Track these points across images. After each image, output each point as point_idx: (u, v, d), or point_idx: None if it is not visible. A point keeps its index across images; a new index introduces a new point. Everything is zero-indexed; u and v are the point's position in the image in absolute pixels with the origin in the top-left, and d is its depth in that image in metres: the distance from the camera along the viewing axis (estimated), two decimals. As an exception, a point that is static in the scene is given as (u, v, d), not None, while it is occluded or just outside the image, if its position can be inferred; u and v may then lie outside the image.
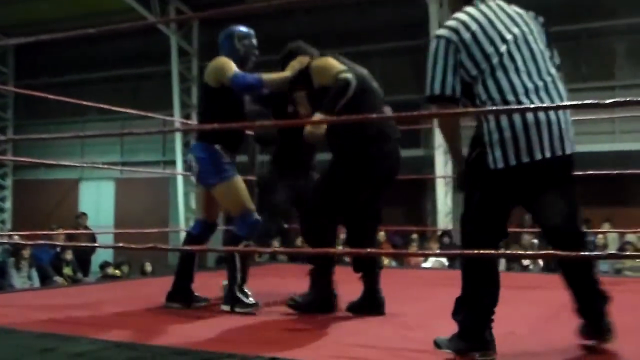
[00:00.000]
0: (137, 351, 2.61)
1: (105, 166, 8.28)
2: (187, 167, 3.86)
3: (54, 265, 9.77)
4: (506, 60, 2.51)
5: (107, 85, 15.64)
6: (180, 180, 14.46)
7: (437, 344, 2.65)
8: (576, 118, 8.40)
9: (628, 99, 2.19)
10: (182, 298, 3.80)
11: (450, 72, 2.52)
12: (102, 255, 12.20)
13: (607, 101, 2.22)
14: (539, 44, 2.62)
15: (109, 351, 2.63)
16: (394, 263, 9.28)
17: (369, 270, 3.57)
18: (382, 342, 2.84)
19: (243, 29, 3.87)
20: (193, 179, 3.95)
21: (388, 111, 3.58)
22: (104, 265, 10.91)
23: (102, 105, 6.44)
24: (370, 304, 3.54)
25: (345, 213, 3.54)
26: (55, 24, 13.82)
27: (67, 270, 9.90)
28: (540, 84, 2.50)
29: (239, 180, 3.71)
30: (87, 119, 15.79)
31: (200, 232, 3.93)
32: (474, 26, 2.55)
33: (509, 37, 2.55)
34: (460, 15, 2.60)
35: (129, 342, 2.77)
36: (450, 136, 2.64)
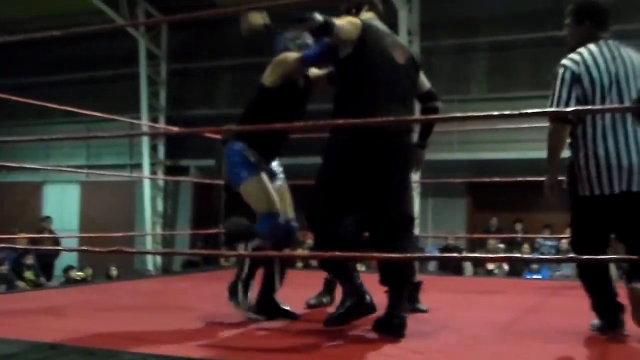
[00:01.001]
0: (95, 356, 2.57)
1: (71, 169, 8.15)
2: None
3: (15, 270, 9.62)
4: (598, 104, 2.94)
5: (74, 87, 15.44)
6: (147, 183, 14.33)
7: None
8: (541, 125, 8.43)
9: (589, 107, 2.23)
10: (267, 310, 3.57)
11: (573, 99, 2.93)
12: (66, 260, 12.02)
13: (569, 109, 2.25)
14: (631, 92, 2.98)
15: (68, 357, 2.59)
16: (363, 267, 9.31)
17: (394, 282, 3.16)
18: (353, 349, 2.84)
19: (292, 31, 3.71)
20: None
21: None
22: (67, 269, 10.77)
23: (68, 108, 6.35)
24: (389, 323, 3.09)
25: (351, 207, 3.22)
26: (21, 25, 13.64)
27: (28, 275, 9.75)
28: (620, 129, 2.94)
29: (261, 178, 3.49)
30: (53, 122, 15.56)
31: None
32: (592, 68, 2.96)
33: (607, 87, 2.94)
34: (584, 51, 3.01)
35: (89, 347, 2.72)
36: (554, 147, 2.98)
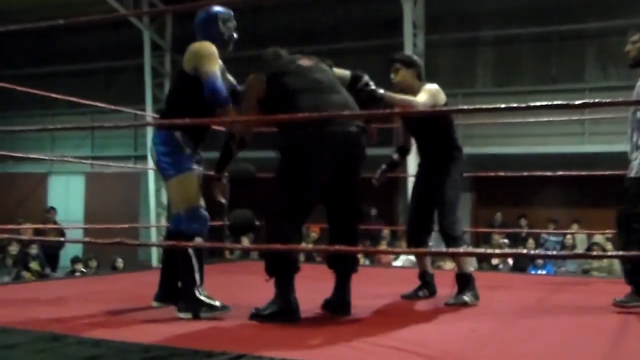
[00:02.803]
0: (100, 348, 2.57)
1: (75, 160, 8.13)
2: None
3: (20, 260, 9.64)
4: None
5: (78, 78, 15.43)
6: (151, 175, 14.32)
7: None
8: (546, 119, 8.35)
9: (597, 101, 2.21)
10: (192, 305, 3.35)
11: None
12: (71, 251, 12.04)
13: (577, 102, 2.24)
14: None
15: (72, 347, 2.59)
16: (367, 262, 9.32)
17: (341, 268, 3.50)
18: (348, 339, 2.83)
19: (224, 9, 3.59)
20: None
21: (339, 100, 3.37)
22: (75, 260, 10.77)
23: (72, 98, 6.34)
24: (338, 303, 3.48)
25: (308, 210, 3.39)
26: (24, 14, 13.60)
27: (34, 265, 9.76)
28: None
29: (194, 174, 3.44)
30: (57, 112, 15.57)
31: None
32: None
33: None
34: None
35: (92, 338, 2.73)
36: None
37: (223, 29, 3.56)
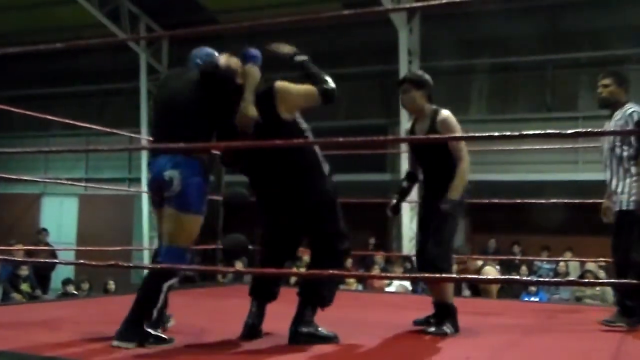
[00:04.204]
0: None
1: (69, 182, 8.10)
2: (160, 183, 3.28)
3: (10, 282, 9.57)
4: None
5: (74, 100, 15.46)
6: (145, 198, 14.30)
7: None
8: (540, 147, 8.40)
9: (590, 130, 2.24)
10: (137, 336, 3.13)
11: None
12: (62, 273, 11.97)
13: (570, 131, 2.26)
14: None
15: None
16: (360, 287, 9.28)
17: (301, 296, 3.42)
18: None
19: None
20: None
21: None
22: (66, 282, 10.70)
23: (67, 120, 6.35)
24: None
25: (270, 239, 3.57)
26: (23, 36, 13.69)
27: (24, 287, 9.69)
28: None
29: (203, 217, 3.34)
30: (52, 134, 15.57)
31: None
32: None
33: None
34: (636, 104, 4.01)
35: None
36: None
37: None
